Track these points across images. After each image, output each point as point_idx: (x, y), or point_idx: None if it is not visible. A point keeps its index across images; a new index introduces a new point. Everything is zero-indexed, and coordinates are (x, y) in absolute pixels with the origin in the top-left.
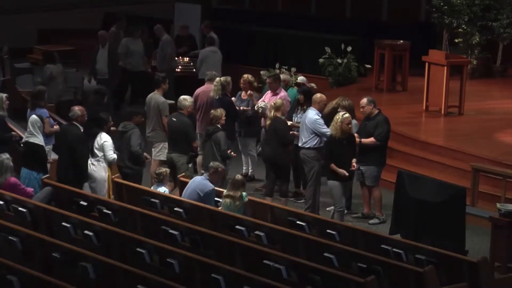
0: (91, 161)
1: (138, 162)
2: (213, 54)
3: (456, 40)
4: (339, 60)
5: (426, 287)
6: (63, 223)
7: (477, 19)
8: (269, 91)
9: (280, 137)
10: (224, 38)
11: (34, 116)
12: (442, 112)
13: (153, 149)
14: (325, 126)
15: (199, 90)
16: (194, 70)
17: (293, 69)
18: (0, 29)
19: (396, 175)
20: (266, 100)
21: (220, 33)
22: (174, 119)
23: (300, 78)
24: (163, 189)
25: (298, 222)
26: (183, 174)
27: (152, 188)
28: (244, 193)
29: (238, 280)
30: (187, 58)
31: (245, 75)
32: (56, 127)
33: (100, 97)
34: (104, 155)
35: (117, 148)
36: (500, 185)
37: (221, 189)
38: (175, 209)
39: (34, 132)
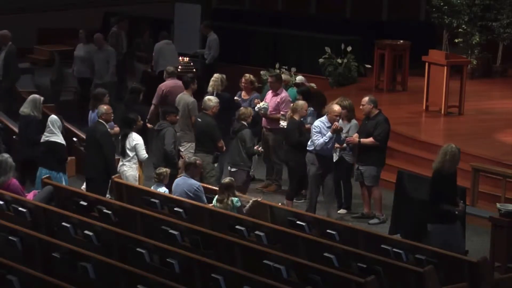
0: (122, 161)
1: (170, 163)
2: (167, 46)
3: (456, 40)
4: (339, 60)
5: (426, 287)
6: (63, 223)
7: (477, 19)
8: (270, 91)
9: (289, 139)
10: (224, 38)
11: (53, 116)
12: (442, 112)
13: (180, 147)
14: (319, 135)
15: (166, 87)
16: (194, 70)
17: (293, 69)
18: (0, 29)
19: (396, 175)
20: (267, 100)
21: (220, 33)
22: (199, 120)
23: (299, 78)
24: (163, 189)
25: (298, 222)
26: (210, 174)
27: (152, 188)
28: (234, 199)
29: (238, 280)
30: (187, 58)
31: (247, 75)
32: (116, 129)
33: (136, 96)
34: (136, 155)
35: (154, 147)
36: (500, 185)
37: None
38: (175, 209)
39: (54, 131)
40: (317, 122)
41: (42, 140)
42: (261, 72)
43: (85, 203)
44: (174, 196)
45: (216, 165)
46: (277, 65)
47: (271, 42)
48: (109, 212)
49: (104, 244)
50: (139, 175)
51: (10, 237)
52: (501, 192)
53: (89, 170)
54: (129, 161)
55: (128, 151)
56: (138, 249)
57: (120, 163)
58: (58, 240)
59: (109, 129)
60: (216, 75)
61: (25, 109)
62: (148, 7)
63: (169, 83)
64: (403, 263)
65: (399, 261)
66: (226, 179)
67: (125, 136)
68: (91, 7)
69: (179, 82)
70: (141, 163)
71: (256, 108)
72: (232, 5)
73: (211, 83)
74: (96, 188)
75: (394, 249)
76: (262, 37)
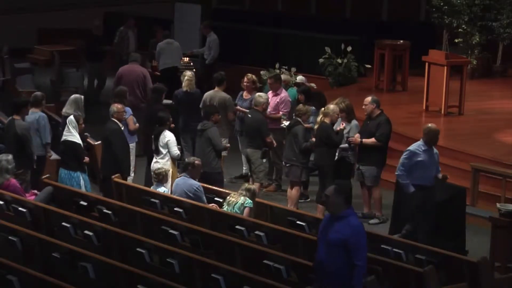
0: (156, 159)
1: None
2: (168, 46)
3: (456, 40)
4: (339, 60)
5: (426, 287)
6: (63, 223)
7: (477, 19)
8: (270, 91)
9: (325, 142)
10: (224, 38)
11: (70, 117)
12: (442, 112)
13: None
14: (406, 162)
15: (122, 70)
16: (194, 70)
17: (293, 69)
18: (0, 29)
19: None
20: None
21: (220, 33)
22: (249, 115)
23: (299, 78)
24: (163, 189)
25: (298, 222)
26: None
27: (152, 188)
28: (249, 200)
29: (238, 280)
30: (187, 58)
31: (249, 75)
32: (137, 125)
33: (159, 95)
34: (168, 152)
35: (197, 147)
36: (500, 185)
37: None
38: (175, 209)
39: (71, 130)
40: (411, 147)
41: (61, 140)
42: (261, 72)
43: (85, 203)
44: (174, 196)
45: (265, 160)
46: (277, 65)
47: (271, 42)
48: (109, 212)
49: (104, 244)
50: (172, 171)
51: (10, 237)
52: (501, 192)
53: (103, 169)
54: (162, 158)
55: (161, 148)
56: (138, 249)
57: (154, 160)
58: (58, 240)
59: (134, 125)
60: (189, 73)
61: (69, 110)
62: (148, 7)
63: (126, 67)
64: (403, 263)
65: (399, 261)
66: (253, 186)
67: (158, 134)
68: (91, 7)
69: (137, 67)
70: (174, 160)
71: None
72: (232, 5)
73: (185, 82)
74: (111, 186)
75: (394, 249)
76: (262, 37)
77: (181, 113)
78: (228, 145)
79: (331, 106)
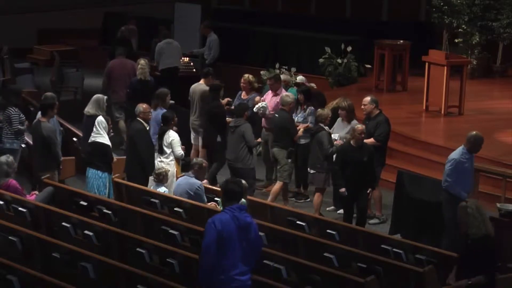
0: (160, 158)
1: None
2: (168, 46)
3: (456, 40)
4: (339, 60)
5: (426, 287)
6: (63, 223)
7: (477, 19)
8: (270, 91)
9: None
10: (224, 38)
11: (100, 117)
12: (442, 112)
13: (200, 137)
14: (453, 171)
15: (111, 64)
16: (194, 70)
17: (293, 69)
18: (0, 29)
19: (396, 175)
20: (267, 100)
21: (220, 33)
22: (277, 115)
23: (299, 78)
24: (163, 189)
25: (298, 222)
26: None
27: (152, 188)
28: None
29: None
30: (187, 58)
31: (246, 75)
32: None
33: (216, 93)
34: (172, 152)
35: (230, 144)
36: (500, 185)
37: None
38: (175, 209)
39: (101, 131)
40: (456, 155)
41: (89, 141)
42: (261, 72)
43: (85, 203)
44: (174, 196)
45: (290, 160)
46: (277, 65)
47: (271, 42)
48: (109, 212)
49: (104, 244)
50: (176, 170)
51: (10, 237)
52: (501, 192)
53: (127, 168)
54: (166, 157)
55: (165, 148)
56: (138, 249)
57: (158, 159)
58: (58, 240)
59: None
60: (143, 62)
61: (90, 109)
62: (148, 7)
63: (116, 61)
64: (403, 263)
65: (399, 261)
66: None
67: (162, 134)
68: (91, 7)
69: (127, 61)
70: (177, 159)
71: (255, 108)
72: (232, 5)
73: (139, 70)
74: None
75: (394, 249)
76: (262, 37)
77: (136, 101)
78: (260, 139)
79: (359, 127)
